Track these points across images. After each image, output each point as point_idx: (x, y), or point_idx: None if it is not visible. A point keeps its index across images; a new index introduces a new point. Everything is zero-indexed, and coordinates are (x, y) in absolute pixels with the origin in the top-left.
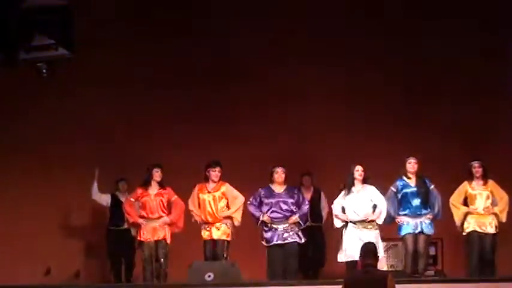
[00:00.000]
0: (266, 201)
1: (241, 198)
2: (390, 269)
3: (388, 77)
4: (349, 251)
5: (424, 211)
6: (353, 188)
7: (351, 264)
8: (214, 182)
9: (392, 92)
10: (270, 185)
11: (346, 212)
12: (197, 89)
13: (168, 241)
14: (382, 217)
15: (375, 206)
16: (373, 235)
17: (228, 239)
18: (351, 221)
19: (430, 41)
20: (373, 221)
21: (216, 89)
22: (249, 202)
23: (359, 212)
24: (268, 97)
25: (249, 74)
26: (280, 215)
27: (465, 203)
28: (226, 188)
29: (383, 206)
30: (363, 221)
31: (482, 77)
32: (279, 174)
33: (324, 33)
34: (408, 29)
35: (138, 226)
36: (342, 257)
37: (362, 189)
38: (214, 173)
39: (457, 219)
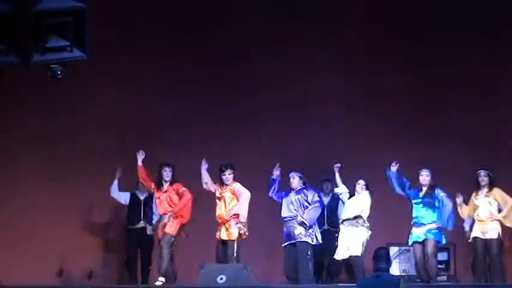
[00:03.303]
0: (283, 201)
1: (246, 194)
2: (402, 274)
3: (401, 85)
4: (340, 250)
5: (429, 221)
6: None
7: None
8: (227, 184)
9: (404, 101)
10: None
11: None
12: (214, 89)
13: (173, 233)
14: (364, 216)
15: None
16: (360, 232)
17: (235, 238)
18: (342, 221)
19: (443, 47)
20: (360, 218)
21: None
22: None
23: (346, 212)
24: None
25: (264, 78)
26: (288, 215)
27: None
28: (235, 186)
29: (363, 207)
30: (349, 220)
31: (493, 86)
32: (291, 180)
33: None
34: (421, 33)
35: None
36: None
37: (358, 196)
38: (225, 177)
39: (464, 216)
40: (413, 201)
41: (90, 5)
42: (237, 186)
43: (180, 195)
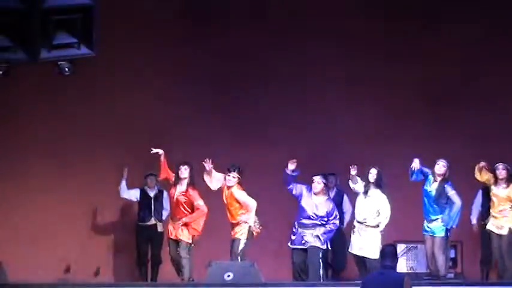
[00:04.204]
0: (302, 203)
1: (251, 205)
2: (409, 271)
3: (409, 80)
4: (351, 248)
5: (434, 216)
6: (366, 190)
7: (356, 258)
8: (230, 186)
9: (415, 96)
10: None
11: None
12: (223, 86)
13: (188, 240)
14: (382, 226)
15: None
16: (373, 234)
17: (242, 237)
18: (357, 221)
19: (451, 43)
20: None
21: (243, 88)
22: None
23: (362, 214)
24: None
25: (272, 75)
26: (308, 222)
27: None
28: (236, 194)
29: (385, 215)
30: (370, 225)
31: (494, 83)
32: (315, 184)
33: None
34: (429, 31)
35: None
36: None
37: (372, 194)
38: (228, 177)
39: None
40: (426, 193)
41: (97, 2)
42: (238, 195)
43: (194, 208)
